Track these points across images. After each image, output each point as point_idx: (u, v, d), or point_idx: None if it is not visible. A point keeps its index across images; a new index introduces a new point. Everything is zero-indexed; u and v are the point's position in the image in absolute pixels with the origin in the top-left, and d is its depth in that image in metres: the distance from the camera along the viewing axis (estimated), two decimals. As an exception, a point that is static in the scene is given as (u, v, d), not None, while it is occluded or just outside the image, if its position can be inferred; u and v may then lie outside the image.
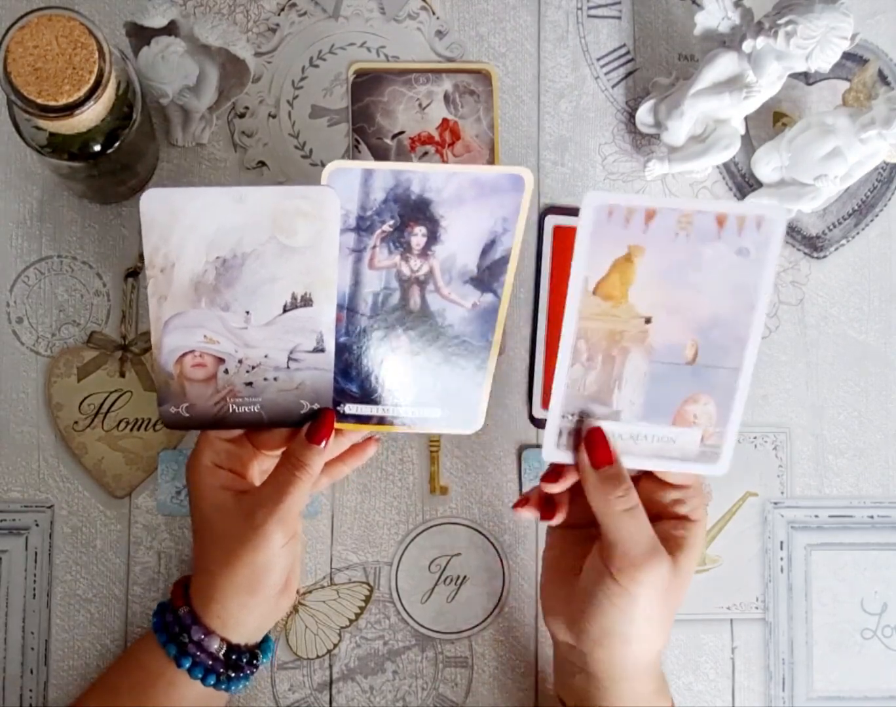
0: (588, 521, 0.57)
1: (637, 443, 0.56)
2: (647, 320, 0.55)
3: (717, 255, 0.54)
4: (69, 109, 0.50)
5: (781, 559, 0.67)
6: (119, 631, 0.64)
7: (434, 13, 0.68)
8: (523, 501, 0.59)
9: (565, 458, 0.57)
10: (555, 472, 0.57)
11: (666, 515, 0.57)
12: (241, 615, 0.56)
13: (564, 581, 0.58)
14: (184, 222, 0.52)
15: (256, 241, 0.53)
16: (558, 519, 0.58)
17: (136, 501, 0.64)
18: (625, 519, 0.54)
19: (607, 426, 0.56)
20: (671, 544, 0.56)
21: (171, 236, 0.53)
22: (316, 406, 0.56)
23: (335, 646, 0.65)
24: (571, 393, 0.56)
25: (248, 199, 0.53)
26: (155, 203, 0.52)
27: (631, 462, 0.56)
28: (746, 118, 0.65)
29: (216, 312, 0.54)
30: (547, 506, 0.58)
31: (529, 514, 0.59)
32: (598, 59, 0.69)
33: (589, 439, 0.56)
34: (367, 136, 0.67)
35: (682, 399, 0.56)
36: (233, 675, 0.57)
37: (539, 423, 0.67)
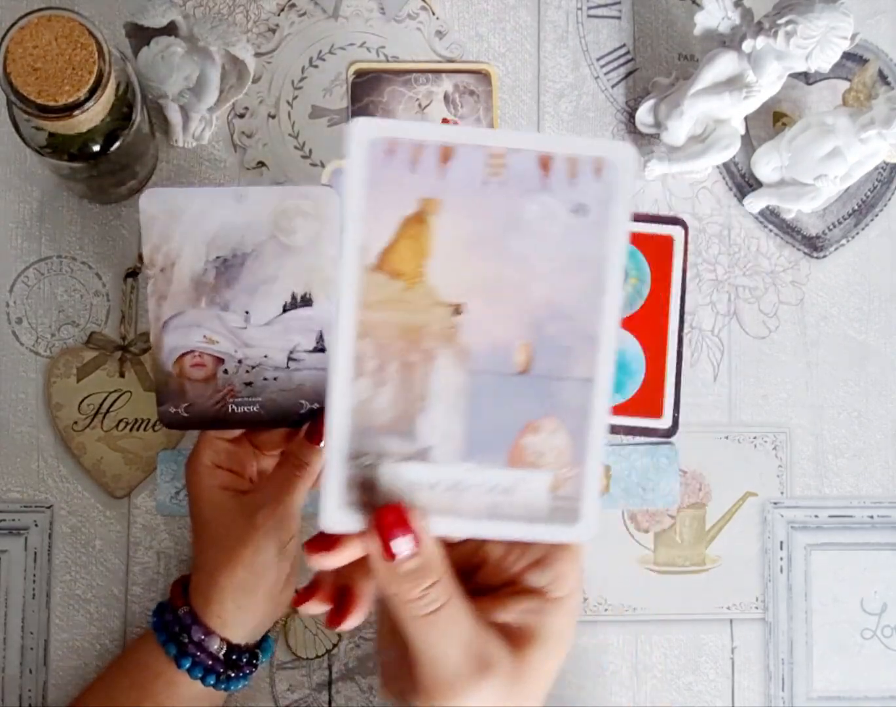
0: None
1: (460, 496, 0.39)
2: (457, 310, 0.39)
3: (544, 212, 0.39)
4: (69, 110, 0.50)
5: (781, 559, 0.67)
6: (118, 631, 0.64)
7: (434, 13, 0.68)
8: (309, 591, 0.42)
9: (354, 523, 0.39)
10: (328, 538, 0.40)
11: (518, 587, 0.42)
12: (241, 615, 0.56)
13: (401, 661, 0.42)
14: (184, 222, 0.53)
15: (256, 240, 0.53)
16: (352, 622, 0.42)
17: (136, 501, 0.64)
18: (428, 627, 0.39)
19: (411, 473, 0.39)
20: (516, 636, 0.41)
21: (171, 236, 0.53)
22: (316, 406, 0.56)
23: (334, 646, 0.65)
24: (358, 423, 0.38)
25: (248, 198, 0.53)
26: (155, 202, 0.52)
27: (450, 526, 0.40)
28: (746, 118, 0.65)
29: (216, 312, 0.54)
30: (342, 599, 0.42)
31: (317, 609, 0.42)
32: (598, 59, 0.69)
33: (378, 521, 0.38)
34: (366, 137, 0.67)
35: (519, 427, 0.39)
36: (232, 674, 0.57)
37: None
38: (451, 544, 0.42)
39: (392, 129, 0.38)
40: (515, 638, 0.41)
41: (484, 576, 0.43)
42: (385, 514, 0.39)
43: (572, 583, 0.42)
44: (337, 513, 0.39)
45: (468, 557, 0.43)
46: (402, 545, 0.38)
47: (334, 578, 0.42)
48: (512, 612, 0.41)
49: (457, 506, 0.40)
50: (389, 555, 0.38)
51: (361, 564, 0.40)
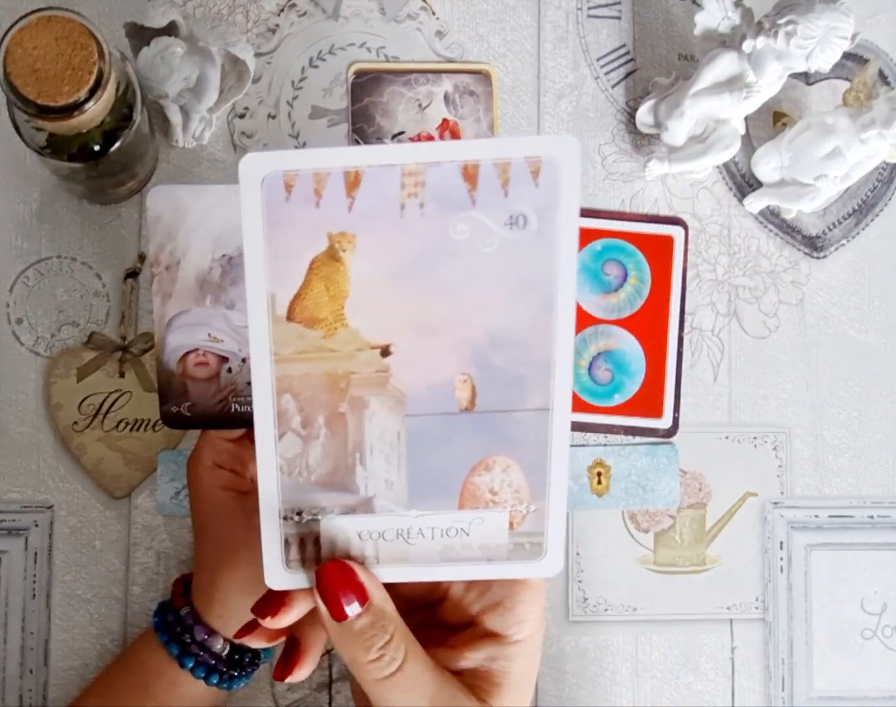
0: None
1: (410, 542, 0.37)
2: (385, 351, 0.35)
3: (475, 231, 0.34)
4: (69, 110, 0.50)
5: (781, 559, 0.67)
6: (118, 631, 0.64)
7: (434, 13, 0.68)
8: (251, 625, 0.41)
9: (299, 581, 0.38)
10: (274, 599, 0.39)
11: (478, 630, 0.41)
12: (243, 615, 0.55)
13: None
14: (190, 220, 0.53)
15: None
16: (300, 674, 0.40)
17: (136, 502, 0.64)
18: (390, 689, 0.38)
19: (355, 525, 0.37)
20: (480, 685, 0.40)
21: (176, 234, 0.53)
22: None
23: (335, 646, 0.65)
24: (290, 480, 0.36)
25: None
26: (161, 200, 0.52)
27: (402, 573, 0.38)
28: (746, 118, 0.65)
29: (220, 311, 0.54)
30: (291, 650, 0.40)
31: (257, 644, 0.42)
32: (598, 59, 0.69)
33: (321, 582, 0.37)
34: (366, 137, 0.67)
35: (468, 467, 0.37)
36: (235, 674, 0.57)
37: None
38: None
39: (287, 160, 0.34)
40: (482, 686, 0.40)
41: (444, 612, 0.43)
42: (327, 574, 0.37)
43: (533, 623, 0.41)
44: (279, 572, 0.38)
45: (429, 592, 0.43)
46: (349, 603, 0.37)
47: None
48: (474, 660, 0.40)
49: (407, 553, 0.38)
50: (339, 615, 0.37)
51: (309, 615, 0.39)
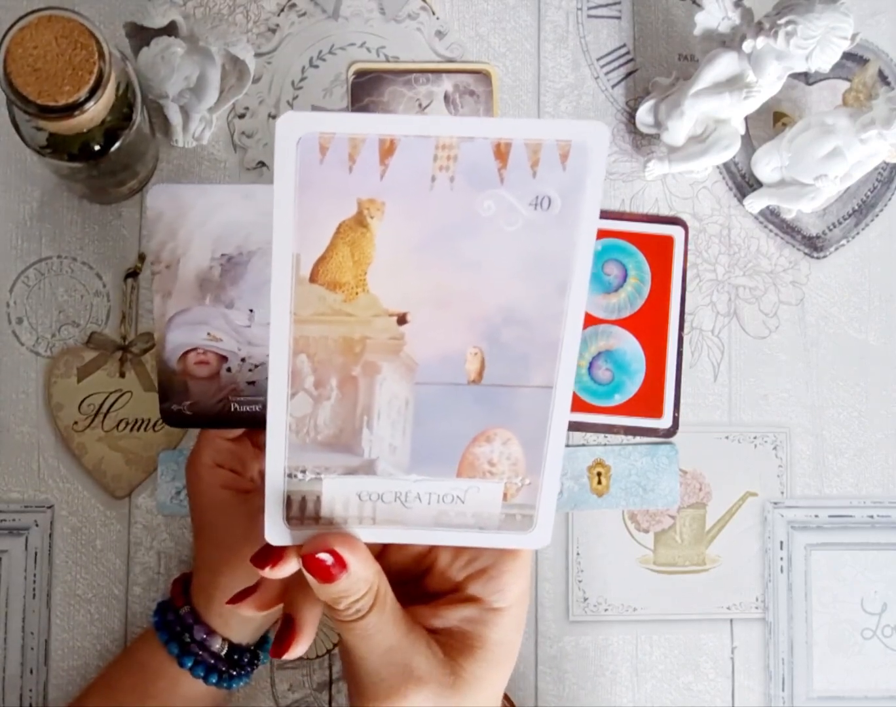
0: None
1: (407, 505, 0.39)
2: (402, 320, 0.36)
3: (500, 209, 0.34)
4: (69, 110, 0.50)
5: (781, 559, 0.67)
6: (119, 631, 0.64)
7: (434, 13, 0.68)
8: (244, 593, 0.42)
9: (296, 538, 0.39)
10: (273, 551, 0.40)
11: (461, 595, 0.42)
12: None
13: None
14: (191, 218, 0.53)
15: (263, 239, 0.53)
16: (295, 651, 0.41)
17: (136, 501, 0.64)
18: (350, 631, 0.40)
19: (356, 485, 0.38)
20: (457, 644, 0.41)
21: (177, 232, 0.53)
22: None
23: (335, 645, 0.65)
24: (298, 440, 0.37)
25: (255, 196, 0.53)
26: (162, 198, 0.52)
27: (397, 534, 0.40)
28: (746, 118, 0.65)
29: (220, 310, 0.54)
30: (286, 628, 0.41)
31: (248, 612, 0.42)
32: (598, 59, 0.69)
33: (303, 554, 0.38)
34: (367, 137, 0.67)
35: (470, 437, 0.38)
36: (234, 673, 0.57)
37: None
38: (400, 546, 0.43)
39: (324, 122, 0.33)
40: (456, 646, 0.41)
41: (430, 581, 0.44)
42: (311, 547, 0.39)
43: (515, 594, 0.42)
44: (278, 527, 0.39)
45: (417, 561, 0.44)
46: (330, 569, 0.39)
47: (277, 592, 0.42)
48: (451, 620, 0.42)
49: (404, 515, 0.39)
50: (322, 580, 0.39)
51: (307, 594, 0.40)
